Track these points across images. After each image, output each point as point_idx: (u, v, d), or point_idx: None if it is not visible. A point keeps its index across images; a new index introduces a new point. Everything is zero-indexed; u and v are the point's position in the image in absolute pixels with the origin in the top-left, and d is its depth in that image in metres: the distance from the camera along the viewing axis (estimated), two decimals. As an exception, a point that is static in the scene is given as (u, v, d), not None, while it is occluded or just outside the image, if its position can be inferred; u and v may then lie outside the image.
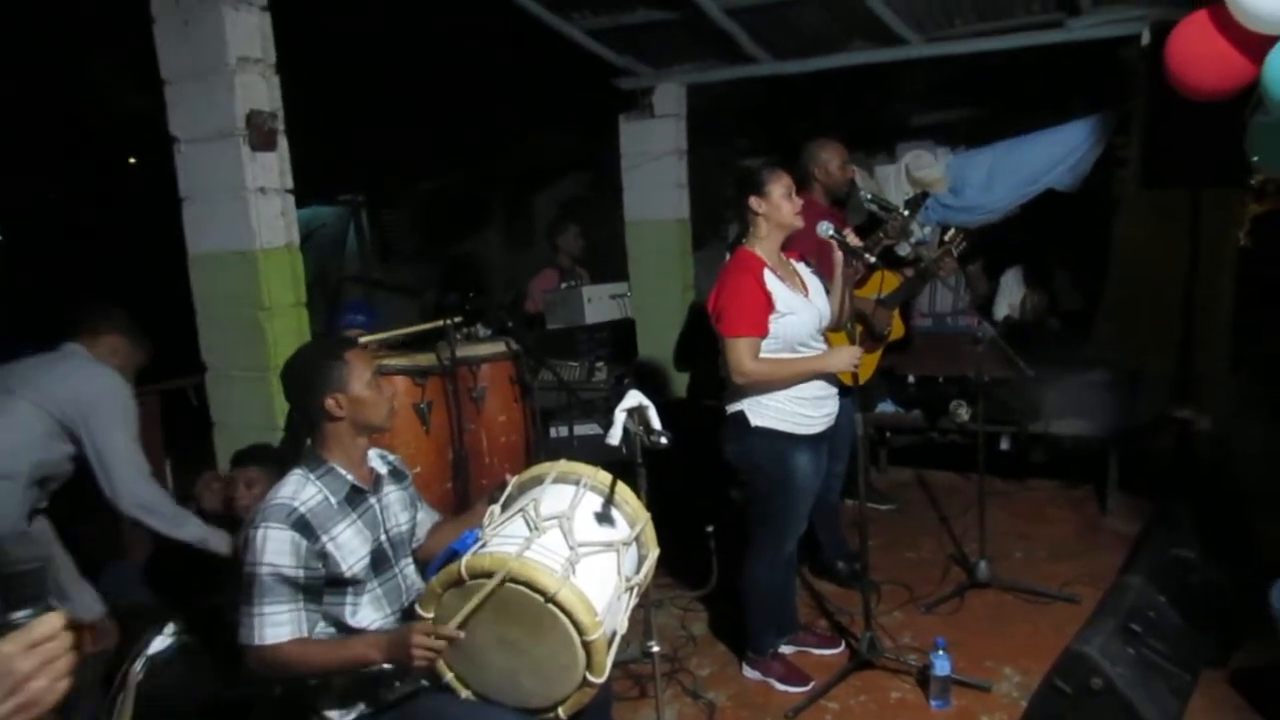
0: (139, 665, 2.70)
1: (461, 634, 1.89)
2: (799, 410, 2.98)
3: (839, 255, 3.10)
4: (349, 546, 2.12)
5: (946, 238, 4.00)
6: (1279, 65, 2.88)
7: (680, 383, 5.96)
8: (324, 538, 2.07)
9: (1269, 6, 2.83)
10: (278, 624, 2.00)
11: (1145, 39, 4.35)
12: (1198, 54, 3.17)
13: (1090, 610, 3.26)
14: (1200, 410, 4.35)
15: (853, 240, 3.05)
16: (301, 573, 2.02)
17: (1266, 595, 2.84)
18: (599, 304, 5.14)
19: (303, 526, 2.04)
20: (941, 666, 2.94)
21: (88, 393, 2.84)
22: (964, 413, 4.75)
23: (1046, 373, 4.54)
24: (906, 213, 4.00)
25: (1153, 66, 3.71)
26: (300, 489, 2.10)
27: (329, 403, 2.14)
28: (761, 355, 2.92)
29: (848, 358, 2.94)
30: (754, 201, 2.99)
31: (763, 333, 2.90)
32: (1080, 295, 5.46)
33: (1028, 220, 5.54)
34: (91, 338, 3.00)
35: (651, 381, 5.60)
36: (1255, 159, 3.55)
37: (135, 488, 2.84)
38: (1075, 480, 4.98)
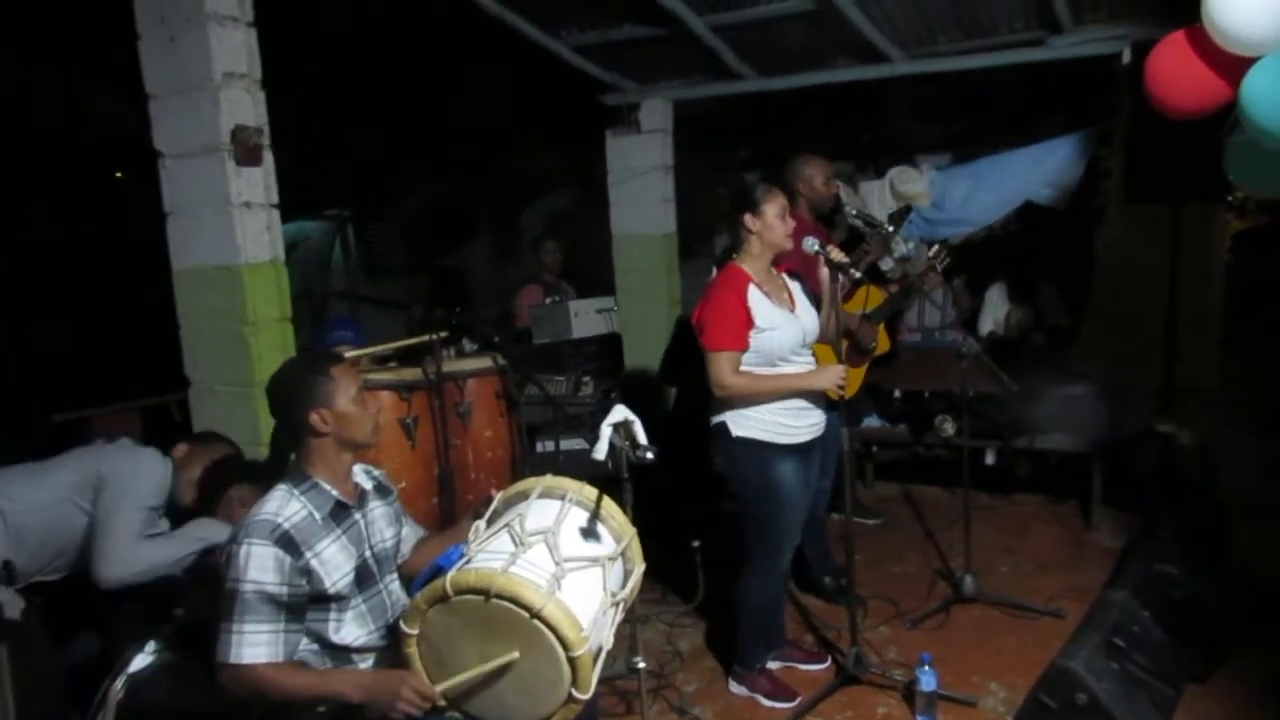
0: (119, 683, 2.67)
1: (444, 702, 1.91)
2: (781, 420, 2.99)
3: (825, 271, 3.12)
4: (333, 563, 2.10)
5: (931, 253, 4.03)
6: (1255, 87, 2.92)
7: (667, 396, 5.96)
8: (308, 554, 2.05)
9: (1245, 28, 2.87)
10: (255, 644, 1.97)
11: (1126, 57, 4.41)
12: (1176, 74, 3.20)
13: (1075, 625, 3.27)
14: (1184, 425, 4.38)
15: (837, 255, 3.06)
16: (285, 590, 2.00)
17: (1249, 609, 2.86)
18: (585, 318, 5.15)
19: (286, 543, 2.02)
20: (927, 682, 2.94)
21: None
22: (949, 427, 4.76)
23: (1031, 387, 4.57)
24: (890, 228, 4.03)
25: (1134, 84, 3.75)
26: (284, 505, 2.09)
27: (314, 418, 2.13)
28: (742, 369, 2.94)
29: (832, 377, 2.96)
30: (748, 219, 3.01)
31: (742, 346, 2.92)
32: (1064, 310, 5.50)
33: (1012, 235, 5.60)
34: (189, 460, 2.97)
35: (638, 396, 5.59)
36: (1233, 177, 3.59)
37: (122, 564, 2.78)
38: (1060, 495, 5.00)
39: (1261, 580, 3.58)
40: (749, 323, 2.93)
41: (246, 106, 3.42)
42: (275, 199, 3.57)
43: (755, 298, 2.96)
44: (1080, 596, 3.63)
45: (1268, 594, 3.49)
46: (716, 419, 3.05)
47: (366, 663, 2.18)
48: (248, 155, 3.40)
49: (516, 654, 1.86)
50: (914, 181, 5.47)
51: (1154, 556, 3.41)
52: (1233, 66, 3.00)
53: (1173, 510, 3.93)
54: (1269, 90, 2.89)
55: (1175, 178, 4.20)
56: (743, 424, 2.99)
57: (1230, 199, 4.37)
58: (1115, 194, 4.60)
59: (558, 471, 2.26)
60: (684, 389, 5.74)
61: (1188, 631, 3.08)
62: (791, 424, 3.01)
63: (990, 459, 5.02)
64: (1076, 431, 4.67)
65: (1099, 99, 4.86)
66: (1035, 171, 5.15)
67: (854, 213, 4.01)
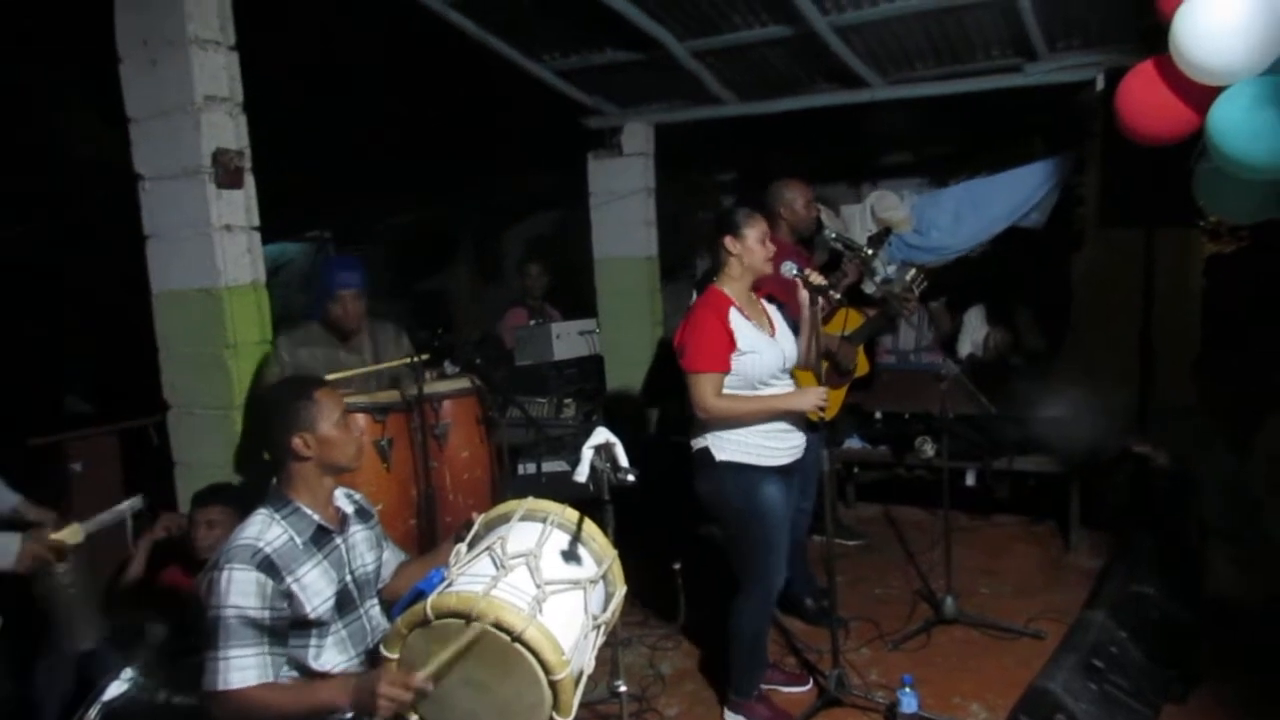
0: (94, 712, 2.64)
1: (431, 686, 1.85)
2: (763, 443, 2.99)
3: (804, 294, 3.14)
4: (314, 588, 2.09)
5: (909, 277, 4.07)
6: (1222, 116, 2.98)
7: (649, 418, 5.97)
8: (289, 578, 2.04)
9: (1212, 58, 2.94)
10: (244, 668, 1.95)
11: (1100, 84, 4.50)
12: (1145, 102, 3.28)
13: (1055, 646, 3.29)
14: (1160, 446, 4.42)
15: (815, 278, 3.09)
16: (267, 614, 1.98)
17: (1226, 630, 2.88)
18: (567, 340, 5.16)
19: (268, 567, 2.00)
20: (909, 704, 2.94)
21: None
22: (929, 449, 4.79)
23: (1009, 409, 4.61)
24: (870, 251, 4.07)
25: (1107, 111, 3.83)
26: (265, 529, 2.08)
27: (296, 442, 2.12)
28: (724, 391, 2.94)
29: (813, 398, 2.97)
30: (729, 242, 3.03)
31: (724, 369, 2.93)
32: (1042, 333, 5.56)
33: (990, 258, 5.66)
34: None
35: (620, 418, 5.60)
36: (1202, 203, 3.67)
37: None
38: (1039, 516, 5.03)
39: (1237, 601, 3.61)
40: (730, 345, 2.94)
41: (228, 129, 3.43)
42: (256, 221, 3.57)
43: (736, 320, 2.97)
44: (1059, 617, 3.65)
45: (1243, 615, 3.52)
46: (699, 444, 3.05)
47: (347, 686, 2.16)
48: (229, 178, 3.41)
49: (481, 627, 1.82)
50: (894, 207, 5.52)
51: (1131, 578, 3.45)
52: (1200, 96, 3.07)
53: (1149, 531, 3.97)
54: (1235, 120, 2.96)
55: (1149, 202, 4.28)
56: (726, 448, 2.99)
57: (1203, 223, 4.44)
58: (1091, 218, 4.67)
59: (539, 494, 2.25)
60: (666, 411, 5.75)
61: (1165, 652, 3.11)
62: (774, 446, 3.02)
63: (970, 480, 5.05)
64: (1054, 452, 4.71)
65: (1075, 125, 4.94)
66: (1017, 195, 5.21)
67: (833, 235, 4.04)
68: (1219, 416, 4.05)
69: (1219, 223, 4.80)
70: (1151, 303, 4.47)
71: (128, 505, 3.02)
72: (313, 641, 2.09)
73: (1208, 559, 3.83)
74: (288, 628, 2.04)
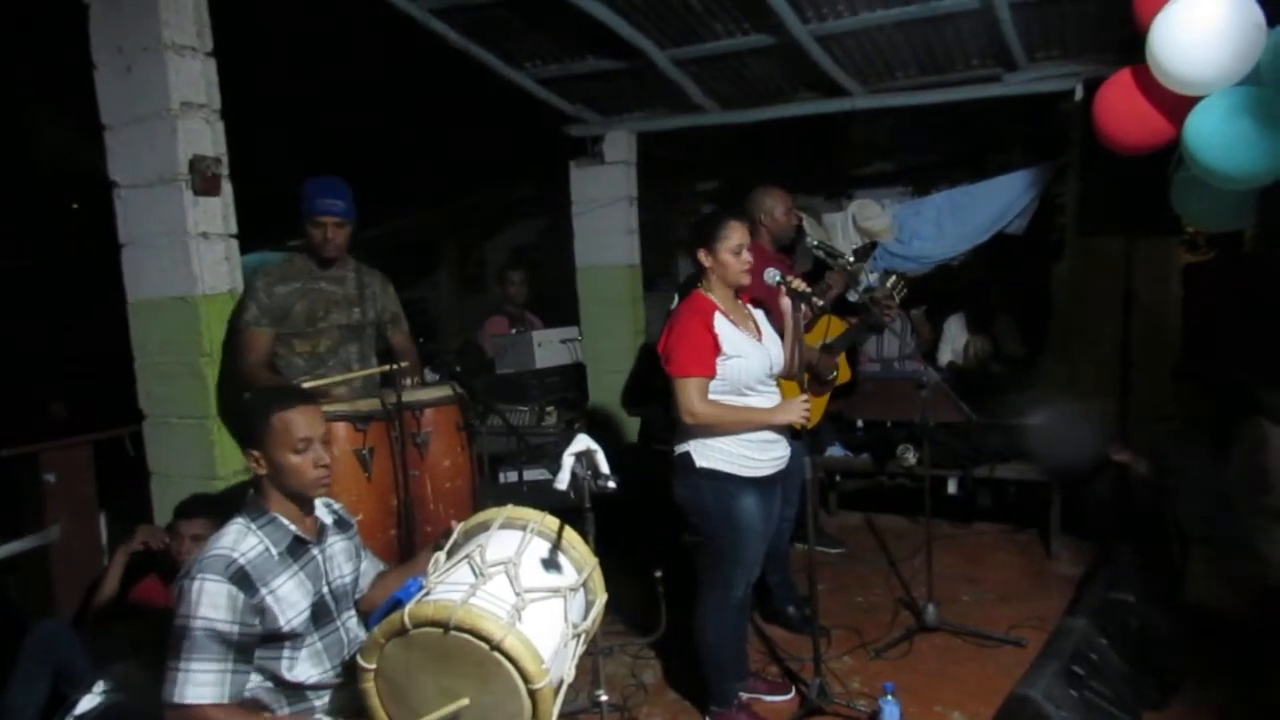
0: (65, 726, 2.59)
1: None
2: (745, 453, 2.98)
3: (786, 301, 3.14)
4: (289, 600, 2.06)
5: (889, 284, 4.08)
6: (1198, 126, 3.01)
7: (631, 427, 5.95)
8: (263, 590, 2.01)
9: (1188, 69, 2.96)
10: (201, 683, 1.92)
11: (1079, 94, 4.53)
12: (1122, 112, 3.30)
13: (1036, 653, 3.29)
14: (1139, 453, 4.45)
15: (798, 284, 3.09)
16: (236, 628, 1.95)
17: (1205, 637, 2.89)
18: (549, 348, 5.15)
19: (241, 579, 1.98)
20: (890, 712, 2.93)
21: None
22: (911, 457, 4.80)
23: (990, 417, 4.63)
24: (853, 260, 4.07)
25: (1086, 120, 3.85)
26: (240, 539, 2.05)
27: (248, 459, 2.10)
28: (711, 397, 2.93)
29: (798, 410, 2.95)
30: (701, 255, 3.02)
31: (710, 373, 2.91)
32: (1021, 341, 5.59)
33: (971, 267, 5.69)
34: None
35: (602, 426, 5.59)
36: (1179, 212, 3.69)
37: None
38: (1020, 524, 5.05)
39: (1217, 608, 3.63)
40: (716, 349, 2.92)
41: (205, 136, 3.41)
42: (234, 229, 3.54)
43: (721, 324, 2.96)
44: (1041, 625, 3.66)
45: (1223, 622, 3.54)
46: (680, 449, 3.03)
47: (322, 700, 2.14)
48: (206, 185, 3.38)
49: (467, 701, 1.83)
50: (876, 217, 5.55)
51: (1111, 585, 3.46)
52: (1176, 105, 3.09)
53: (1129, 539, 3.98)
54: (1211, 130, 2.98)
55: (1128, 211, 4.30)
56: (707, 455, 2.98)
57: (1182, 233, 4.49)
58: (1070, 227, 4.70)
59: (521, 502, 2.24)
60: (648, 419, 5.74)
61: (1145, 659, 3.11)
62: (756, 457, 3.01)
63: (952, 488, 5.07)
64: (1035, 460, 4.73)
65: (1054, 135, 4.99)
66: (998, 204, 5.25)
67: (815, 243, 4.05)
68: (1197, 424, 4.08)
69: (1197, 233, 4.84)
70: (1130, 311, 4.50)
71: (32, 540, 2.96)
72: (286, 653, 2.07)
73: (1187, 566, 3.85)
74: (256, 642, 2.01)
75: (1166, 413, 4.33)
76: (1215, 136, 2.97)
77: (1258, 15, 2.87)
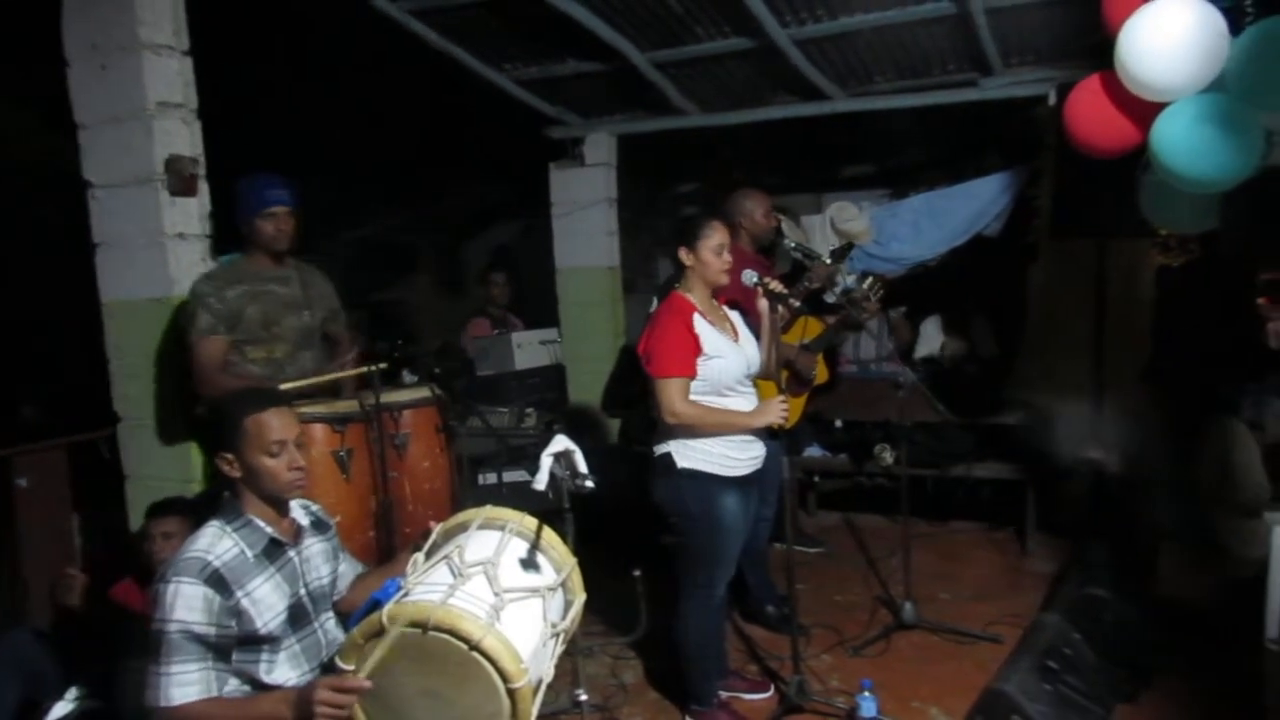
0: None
1: (369, 684, 1.81)
2: (726, 452, 3.00)
3: (764, 303, 3.16)
4: (266, 602, 2.05)
5: (866, 285, 4.12)
6: (1165, 132, 3.06)
7: (611, 428, 5.96)
8: (239, 593, 2.00)
9: (1155, 75, 3.01)
10: (185, 684, 1.91)
11: (1052, 99, 4.59)
12: (1092, 116, 3.35)
13: (1012, 649, 3.33)
14: (1112, 452, 4.51)
15: (775, 286, 3.11)
16: (213, 630, 1.94)
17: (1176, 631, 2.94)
18: (529, 350, 5.15)
19: (217, 581, 1.96)
20: (868, 708, 2.96)
21: None
22: (888, 456, 4.84)
23: (966, 417, 4.68)
24: (830, 261, 4.11)
25: (1059, 125, 3.91)
26: (216, 542, 2.04)
27: (220, 462, 2.09)
28: (691, 397, 2.94)
29: (776, 412, 2.97)
30: (683, 254, 3.04)
31: (691, 374, 2.92)
32: (996, 342, 5.65)
33: (947, 269, 5.74)
34: None
35: (582, 427, 5.59)
36: (1148, 215, 3.75)
37: None
38: (997, 522, 5.10)
39: (1187, 602, 3.69)
40: (697, 349, 2.93)
41: (182, 136, 3.38)
42: (210, 230, 3.51)
43: (701, 325, 2.97)
44: (1016, 621, 3.70)
45: (1192, 616, 3.60)
46: (661, 450, 3.04)
47: (300, 701, 2.13)
48: (182, 185, 3.35)
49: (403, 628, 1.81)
50: (854, 219, 5.59)
51: (1085, 581, 3.50)
52: (1144, 111, 3.14)
53: (1102, 535, 4.04)
54: (1177, 135, 3.04)
55: (1100, 214, 4.36)
56: (689, 455, 2.99)
57: (1153, 235, 4.55)
58: (1043, 229, 4.76)
59: (500, 503, 2.24)
60: (628, 420, 5.75)
61: (1118, 653, 3.16)
62: (736, 456, 3.03)
63: (929, 487, 5.12)
64: (1011, 459, 4.78)
65: (1029, 139, 5.04)
66: (974, 207, 5.30)
67: (793, 245, 4.08)
68: (1168, 424, 4.14)
69: (1169, 236, 4.91)
70: (1104, 312, 4.56)
71: None
72: (264, 656, 2.06)
73: (1159, 562, 3.91)
74: (234, 645, 2.00)
75: (1138, 412, 4.39)
76: (1181, 141, 3.03)
77: (1222, 24, 2.93)
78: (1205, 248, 4.65)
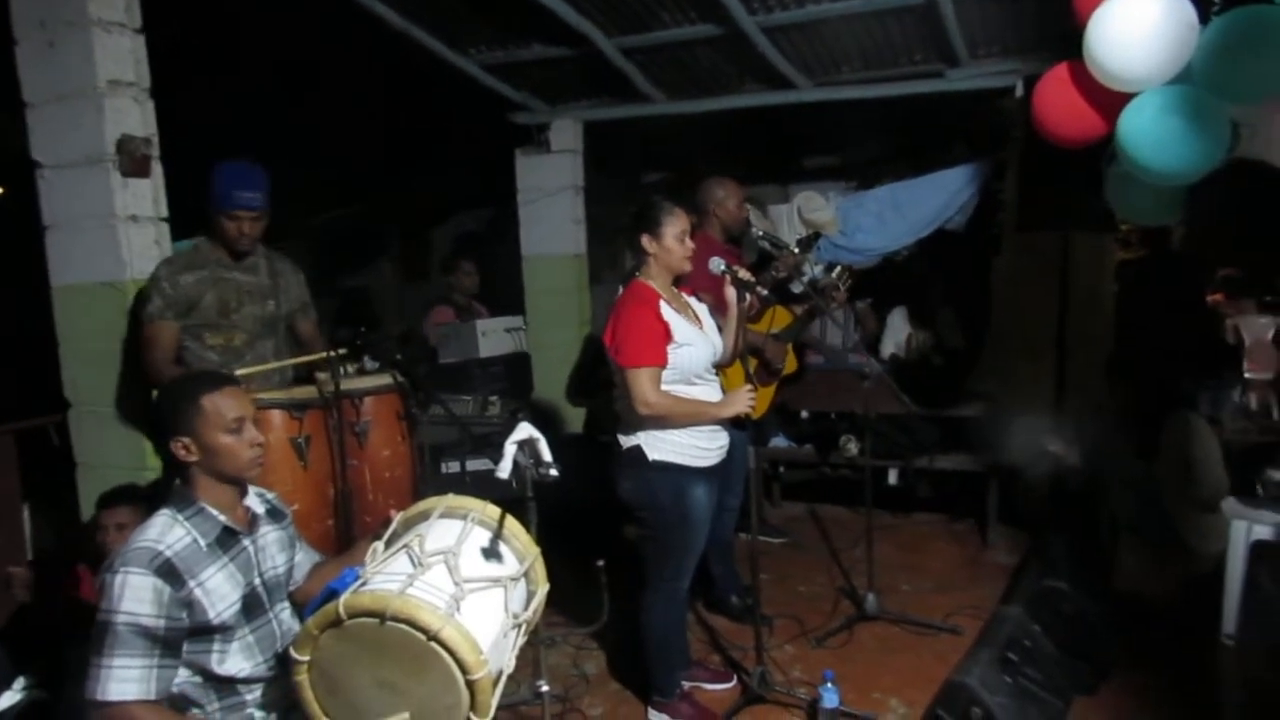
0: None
1: None
2: (695, 443, 2.98)
3: (731, 291, 3.14)
4: (218, 592, 2.00)
5: (835, 274, 4.12)
6: (1131, 123, 3.08)
7: (576, 417, 5.93)
8: (191, 583, 1.94)
9: (1122, 65, 3.03)
10: (124, 680, 1.86)
11: (1019, 91, 4.62)
12: (1059, 105, 3.36)
13: (972, 641, 3.35)
14: (1072, 445, 4.55)
15: (743, 274, 3.09)
16: (162, 623, 1.89)
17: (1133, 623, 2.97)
18: (493, 337, 5.09)
19: (167, 572, 1.91)
20: (830, 699, 2.96)
21: None
22: (853, 447, 4.86)
23: (930, 409, 4.70)
24: (797, 250, 4.10)
25: (1026, 117, 3.92)
26: (166, 531, 1.98)
27: (175, 447, 2.03)
28: (663, 387, 2.91)
29: (743, 400, 2.95)
30: (645, 240, 3.00)
31: (662, 362, 2.88)
32: (961, 334, 5.68)
33: (914, 260, 5.77)
34: None
35: (547, 416, 5.56)
36: (1112, 206, 3.78)
37: None
38: (958, 514, 5.15)
39: (1145, 594, 3.74)
40: (667, 337, 2.89)
41: (134, 116, 3.29)
42: (165, 212, 3.43)
43: (668, 313, 2.94)
44: (977, 613, 3.73)
45: (1149, 608, 3.65)
46: (629, 442, 3.00)
47: (253, 694, 2.08)
48: (135, 166, 3.26)
49: (407, 715, 1.79)
50: (821, 209, 5.59)
51: (1045, 573, 3.53)
52: (1111, 101, 3.16)
53: (1063, 528, 4.08)
54: (1143, 126, 3.05)
55: (1064, 206, 4.40)
56: (660, 447, 2.95)
57: (1117, 229, 4.59)
58: (1008, 222, 4.79)
59: (463, 493, 2.20)
60: (593, 409, 5.72)
61: (1077, 645, 3.19)
62: (704, 447, 3.01)
63: (893, 479, 5.14)
64: (973, 451, 4.82)
65: (995, 130, 5.07)
66: (939, 199, 5.33)
67: (760, 234, 4.08)
68: (1128, 417, 4.19)
69: (1130, 230, 4.96)
70: (1067, 306, 4.60)
71: None
72: (216, 647, 2.00)
73: (1118, 554, 3.96)
74: (184, 636, 1.95)
75: (1100, 406, 4.44)
76: (1146, 133, 3.05)
77: (1192, 14, 2.95)
78: (1153, 245, 4.71)
